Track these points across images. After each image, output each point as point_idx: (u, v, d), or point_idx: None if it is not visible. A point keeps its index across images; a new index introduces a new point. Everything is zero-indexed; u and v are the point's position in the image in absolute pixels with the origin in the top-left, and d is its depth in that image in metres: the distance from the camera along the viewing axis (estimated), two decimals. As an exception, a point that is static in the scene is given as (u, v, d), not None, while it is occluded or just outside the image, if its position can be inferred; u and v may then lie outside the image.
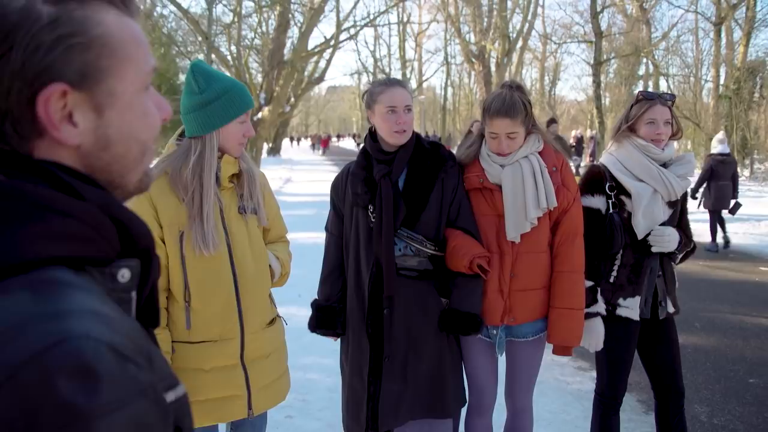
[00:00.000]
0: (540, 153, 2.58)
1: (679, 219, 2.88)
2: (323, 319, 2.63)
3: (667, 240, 2.71)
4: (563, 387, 4.25)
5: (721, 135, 10.03)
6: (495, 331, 2.61)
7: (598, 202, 2.78)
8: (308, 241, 7.19)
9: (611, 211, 2.75)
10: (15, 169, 0.67)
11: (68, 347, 0.54)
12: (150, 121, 0.79)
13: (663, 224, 2.76)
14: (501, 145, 2.52)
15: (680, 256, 2.88)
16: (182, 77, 41.26)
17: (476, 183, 2.58)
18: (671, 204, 2.79)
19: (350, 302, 2.59)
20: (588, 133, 22.81)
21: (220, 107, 2.01)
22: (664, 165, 2.77)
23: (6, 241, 0.60)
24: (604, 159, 2.89)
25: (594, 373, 4.48)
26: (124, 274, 0.69)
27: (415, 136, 2.56)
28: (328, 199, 2.71)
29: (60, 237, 0.63)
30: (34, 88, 0.67)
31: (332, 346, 2.85)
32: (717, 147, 9.52)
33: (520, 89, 2.56)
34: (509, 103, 2.48)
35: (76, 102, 0.69)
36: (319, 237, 2.72)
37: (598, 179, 2.82)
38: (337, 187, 2.66)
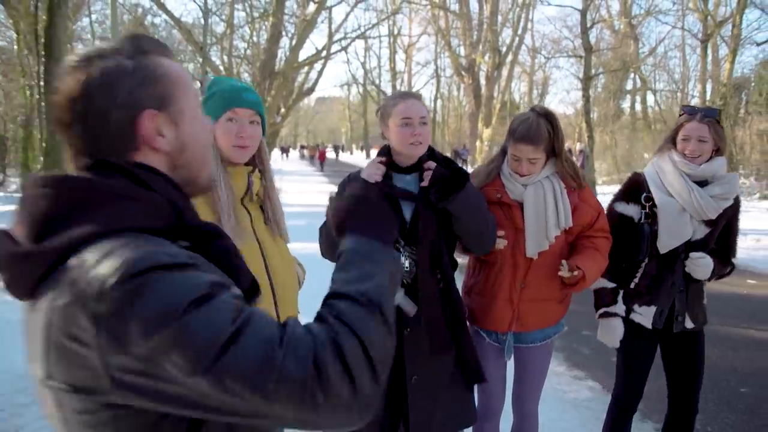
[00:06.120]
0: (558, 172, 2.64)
1: (725, 238, 2.85)
2: None
3: (698, 268, 2.72)
4: (560, 395, 4.33)
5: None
6: (504, 336, 2.69)
7: (632, 210, 2.83)
8: (302, 251, 7.21)
9: (643, 221, 2.78)
10: (106, 171, 0.97)
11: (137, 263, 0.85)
12: (206, 128, 1.11)
13: (696, 244, 2.75)
14: (522, 168, 2.57)
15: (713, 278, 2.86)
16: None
17: (493, 197, 2.62)
18: (709, 223, 2.75)
19: None
20: (577, 147, 22.99)
21: (210, 104, 2.00)
22: (705, 182, 2.74)
23: (99, 217, 0.90)
24: (646, 169, 2.90)
25: (590, 383, 4.59)
26: (182, 243, 0.97)
27: (430, 151, 2.49)
28: (319, 210, 2.60)
29: (129, 215, 0.93)
30: (133, 114, 0.98)
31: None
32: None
33: (547, 116, 2.57)
34: (534, 130, 2.51)
35: (161, 121, 1.01)
36: (312, 247, 2.71)
37: (635, 188, 2.85)
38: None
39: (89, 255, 0.86)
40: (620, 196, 2.88)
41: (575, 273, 2.53)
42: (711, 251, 2.81)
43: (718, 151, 2.75)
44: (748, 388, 4.52)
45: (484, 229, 2.47)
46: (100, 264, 0.84)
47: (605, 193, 16.25)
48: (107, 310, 0.81)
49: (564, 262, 2.56)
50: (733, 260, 2.91)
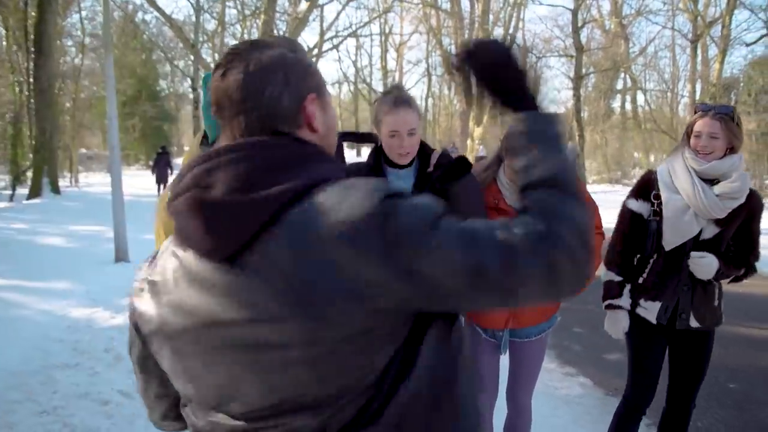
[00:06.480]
0: None
1: (742, 239, 2.80)
2: None
3: (699, 267, 2.69)
4: (552, 392, 4.37)
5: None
6: (501, 333, 2.73)
7: (641, 207, 2.86)
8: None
9: (651, 218, 2.81)
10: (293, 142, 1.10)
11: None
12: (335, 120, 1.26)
13: (706, 243, 2.72)
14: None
15: (727, 281, 2.84)
16: (162, 83, 40.95)
17: (491, 202, 2.63)
18: (719, 223, 2.71)
19: None
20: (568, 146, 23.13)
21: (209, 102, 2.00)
22: (716, 180, 2.69)
23: (306, 172, 1.04)
24: (660, 166, 2.90)
25: (582, 379, 4.63)
26: None
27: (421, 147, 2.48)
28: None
29: (329, 169, 1.08)
30: (303, 96, 1.13)
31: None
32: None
33: None
34: None
35: (317, 105, 1.15)
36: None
37: (646, 186, 2.87)
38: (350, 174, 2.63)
39: (322, 196, 0.98)
40: (632, 194, 2.92)
41: None
42: (723, 252, 2.77)
43: (732, 150, 2.69)
44: (736, 384, 4.58)
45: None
46: (345, 198, 0.96)
47: (596, 191, 16.34)
48: (369, 232, 0.93)
49: None
50: (756, 264, 2.84)
